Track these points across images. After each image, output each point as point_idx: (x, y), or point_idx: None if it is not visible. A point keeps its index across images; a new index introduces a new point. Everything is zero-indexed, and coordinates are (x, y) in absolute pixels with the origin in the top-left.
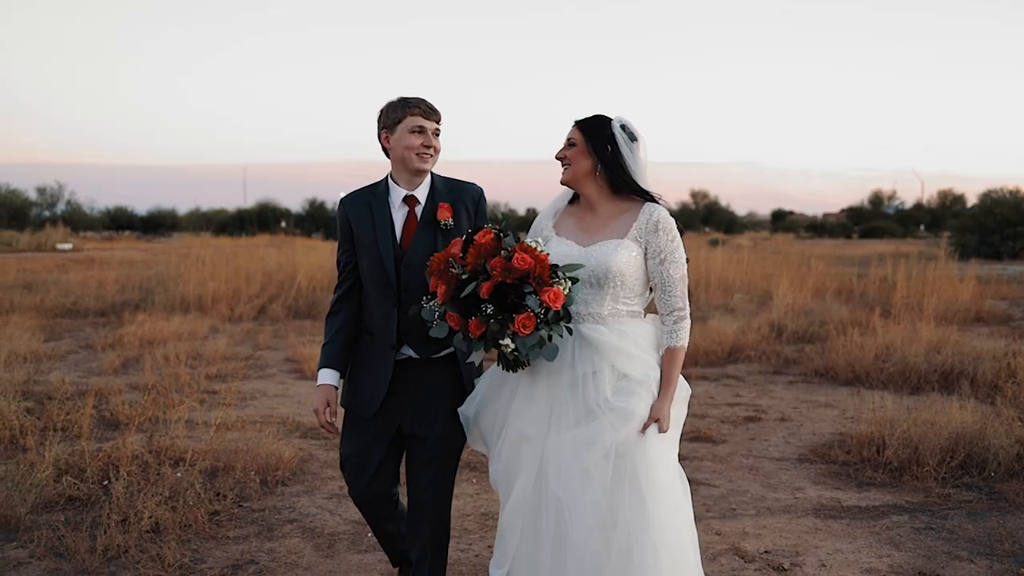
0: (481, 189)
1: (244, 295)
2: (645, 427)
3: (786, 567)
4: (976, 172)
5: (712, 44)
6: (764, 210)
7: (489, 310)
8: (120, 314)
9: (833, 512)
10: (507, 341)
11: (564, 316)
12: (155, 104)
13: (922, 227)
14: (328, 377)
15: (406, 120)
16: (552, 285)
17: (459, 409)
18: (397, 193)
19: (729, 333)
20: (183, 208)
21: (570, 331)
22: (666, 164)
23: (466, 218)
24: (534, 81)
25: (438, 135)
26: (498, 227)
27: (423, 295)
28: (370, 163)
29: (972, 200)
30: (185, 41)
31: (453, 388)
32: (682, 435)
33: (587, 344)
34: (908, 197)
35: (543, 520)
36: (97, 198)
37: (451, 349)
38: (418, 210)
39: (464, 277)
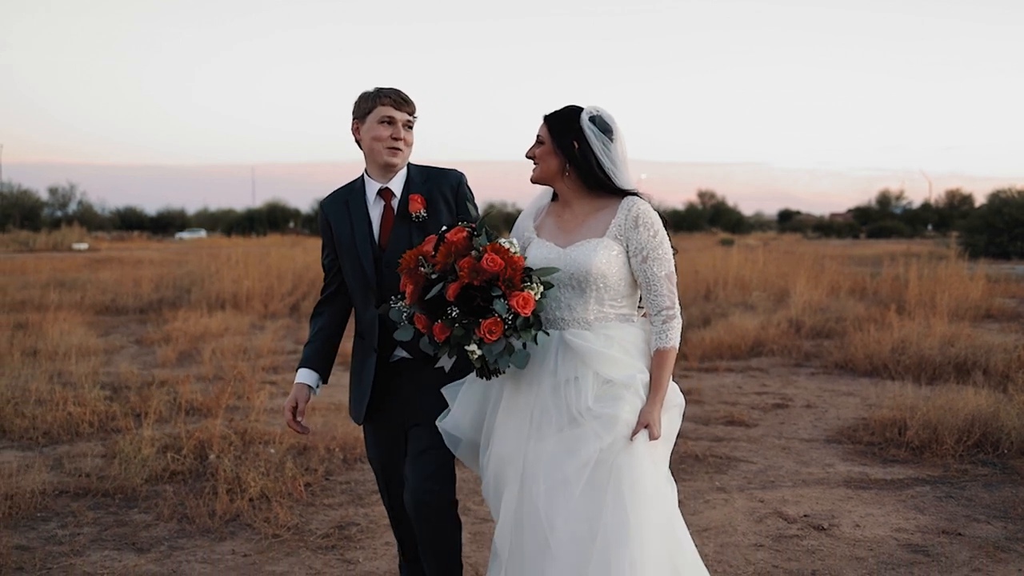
0: (461, 174)
1: (277, 293)
2: (634, 433)
3: (825, 527)
4: (984, 172)
5: (720, 46)
6: (771, 210)
7: (454, 313)
8: (158, 311)
9: (862, 484)
10: (473, 347)
11: (534, 323)
12: (164, 104)
13: (929, 227)
14: (304, 376)
15: (376, 110)
16: (523, 289)
17: (437, 423)
18: (372, 187)
19: (751, 328)
20: (191, 208)
21: (535, 340)
22: (673, 164)
23: (445, 208)
24: (550, 83)
25: (410, 128)
26: (472, 225)
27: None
28: None
29: (980, 200)
30: (193, 41)
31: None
32: (718, 419)
33: (570, 351)
34: (916, 197)
35: (526, 532)
36: (106, 198)
37: None
38: (394, 203)
39: (433, 277)
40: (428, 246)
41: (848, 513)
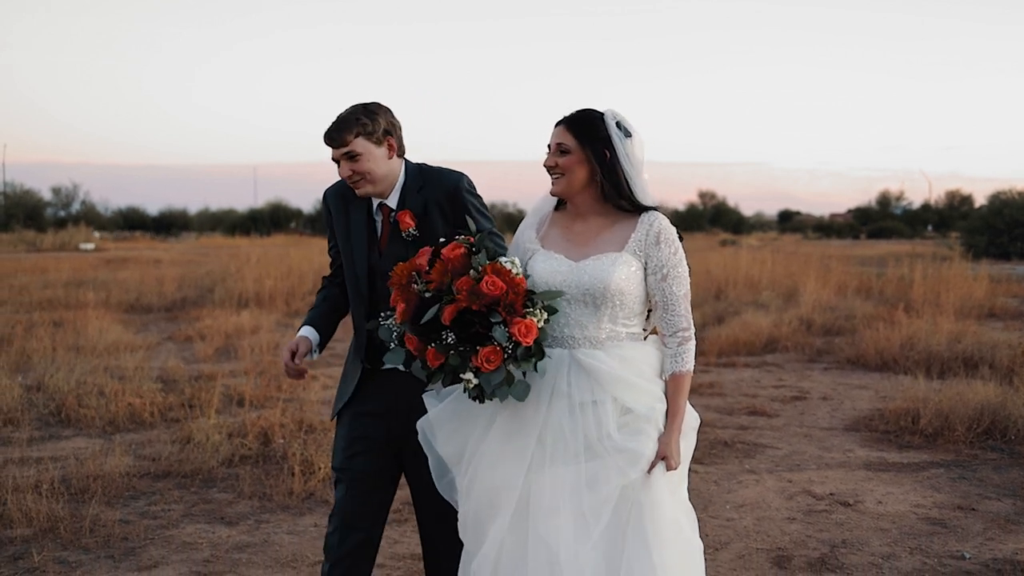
0: (459, 178)
1: (299, 292)
2: (652, 466)
3: (850, 503)
4: (984, 172)
5: (720, 46)
6: (771, 210)
7: (450, 339)
8: (182, 309)
9: (881, 466)
10: (469, 376)
11: (536, 352)
12: (165, 104)
13: (929, 227)
14: (306, 331)
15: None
16: (525, 316)
17: (419, 422)
18: (375, 200)
19: (764, 326)
20: (193, 208)
21: (535, 368)
22: (674, 164)
23: (440, 218)
24: (550, 83)
25: (353, 159)
26: (471, 240)
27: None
28: None
29: (980, 201)
30: (195, 40)
31: None
32: (741, 410)
33: (583, 372)
34: (916, 198)
35: (529, 566)
36: (108, 198)
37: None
38: (393, 218)
39: (427, 295)
40: (422, 259)
41: (870, 492)
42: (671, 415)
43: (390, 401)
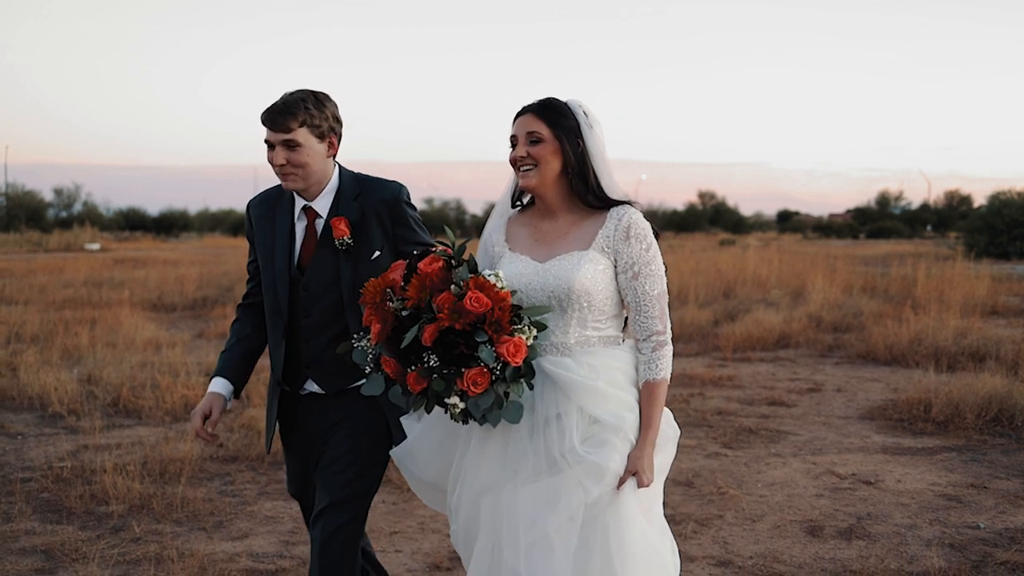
0: (399, 189)
1: None
2: (621, 482)
3: (872, 481)
4: (983, 173)
5: (721, 48)
6: (770, 210)
7: (432, 362)
8: (205, 308)
9: (897, 450)
10: (454, 400)
11: (526, 372)
12: (165, 104)
13: (928, 227)
14: (217, 386)
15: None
16: (512, 334)
17: (392, 452)
18: (299, 202)
19: (775, 323)
20: (193, 208)
21: (531, 387)
22: (674, 164)
23: (378, 228)
24: (557, 85)
25: (292, 148)
26: (449, 252)
27: (321, 328)
28: (376, 163)
29: (979, 201)
30: (197, 42)
31: (369, 417)
32: (760, 400)
33: (549, 382)
34: (914, 198)
35: None
36: (108, 198)
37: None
38: (318, 224)
39: (404, 314)
40: (395, 274)
41: (889, 472)
42: (644, 427)
43: (314, 421)
